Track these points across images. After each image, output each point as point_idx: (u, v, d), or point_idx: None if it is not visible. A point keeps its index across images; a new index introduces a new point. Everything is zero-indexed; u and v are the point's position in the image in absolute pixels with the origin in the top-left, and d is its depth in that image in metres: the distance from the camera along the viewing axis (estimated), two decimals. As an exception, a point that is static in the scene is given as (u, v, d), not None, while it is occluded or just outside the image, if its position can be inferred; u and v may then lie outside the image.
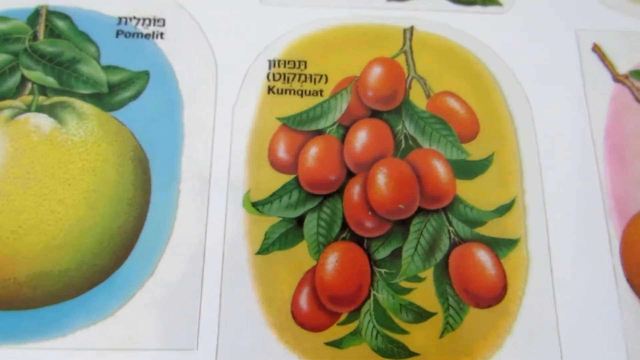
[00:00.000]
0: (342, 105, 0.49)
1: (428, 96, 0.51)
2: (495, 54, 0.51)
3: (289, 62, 0.51)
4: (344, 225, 0.48)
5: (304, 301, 0.46)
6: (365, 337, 0.44)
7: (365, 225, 0.46)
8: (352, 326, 0.45)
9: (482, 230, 0.46)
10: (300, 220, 0.48)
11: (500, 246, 0.46)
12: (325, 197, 0.49)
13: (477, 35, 0.52)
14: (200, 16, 0.53)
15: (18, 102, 0.48)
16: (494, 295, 0.45)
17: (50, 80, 0.49)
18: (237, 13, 0.55)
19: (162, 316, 0.45)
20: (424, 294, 0.47)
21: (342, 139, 0.50)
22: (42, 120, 0.47)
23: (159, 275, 0.46)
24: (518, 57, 0.52)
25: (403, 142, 0.49)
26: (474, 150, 0.49)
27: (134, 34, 0.51)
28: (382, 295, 0.45)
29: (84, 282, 0.45)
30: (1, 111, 0.47)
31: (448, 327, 0.44)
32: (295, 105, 0.51)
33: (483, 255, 0.45)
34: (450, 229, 0.46)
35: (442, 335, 0.44)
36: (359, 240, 0.47)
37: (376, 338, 0.44)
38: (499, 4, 0.53)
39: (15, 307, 0.46)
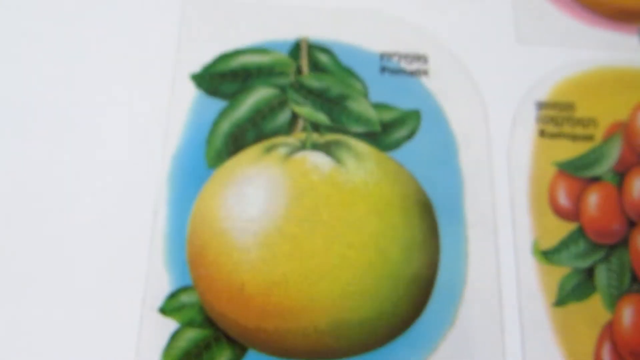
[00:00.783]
0: (615, 152, 0.49)
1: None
2: None
3: (556, 104, 0.49)
4: (634, 277, 0.47)
5: (606, 357, 0.46)
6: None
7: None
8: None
9: None
10: (590, 271, 0.46)
11: None
12: (611, 247, 0.47)
13: None
14: (460, 53, 0.51)
15: (292, 139, 0.47)
16: None
17: (321, 117, 0.48)
18: (495, 51, 0.54)
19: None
20: None
21: (619, 186, 0.47)
22: (320, 159, 0.46)
23: (459, 326, 0.46)
24: None
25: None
26: None
27: (398, 71, 0.50)
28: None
29: (385, 331, 0.44)
30: (277, 148, 0.46)
31: None
32: (567, 149, 0.51)
33: None
34: None
35: None
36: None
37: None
38: None
39: (319, 357, 0.45)
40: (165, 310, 0.45)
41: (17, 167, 0.49)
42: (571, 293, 0.46)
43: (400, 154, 0.51)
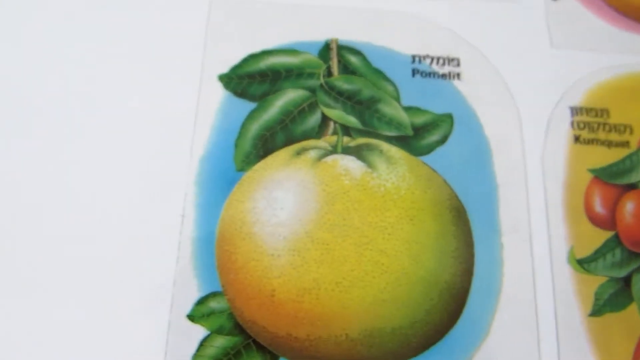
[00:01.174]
0: None
1: None
2: None
3: (591, 110, 0.49)
4: None
5: (645, 368, 0.42)
6: None
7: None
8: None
9: None
10: (626, 280, 0.46)
11: None
12: None
13: None
14: (493, 57, 0.49)
15: (323, 143, 0.46)
16: None
17: (352, 120, 0.47)
18: (528, 55, 0.54)
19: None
20: None
21: None
22: (352, 163, 0.45)
23: (494, 336, 0.45)
24: None
25: None
26: None
27: (430, 74, 0.49)
28: None
29: (419, 340, 0.44)
30: (307, 152, 0.45)
31: None
32: (603, 156, 0.50)
33: None
34: None
35: None
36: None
37: None
38: None
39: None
40: (193, 316, 0.45)
41: (42, 168, 0.49)
42: (607, 303, 0.46)
43: (432, 158, 0.50)
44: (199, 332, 0.45)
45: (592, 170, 0.47)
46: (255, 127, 0.47)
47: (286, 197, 0.45)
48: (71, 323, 0.44)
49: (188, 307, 0.45)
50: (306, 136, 0.49)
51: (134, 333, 0.44)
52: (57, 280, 0.45)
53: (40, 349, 0.44)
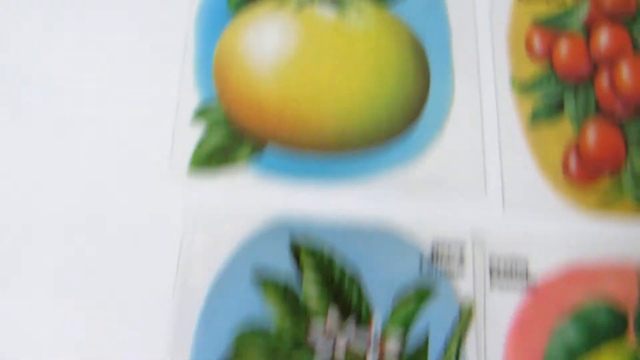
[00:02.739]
0: (583, 10, 0.56)
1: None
2: None
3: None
4: (597, 108, 0.54)
5: (572, 164, 0.53)
6: (627, 190, 0.51)
7: (615, 109, 0.53)
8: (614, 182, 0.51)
9: None
10: (560, 103, 0.54)
11: None
12: (578, 85, 0.54)
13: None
14: None
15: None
16: None
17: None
18: None
19: (454, 163, 0.52)
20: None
21: (587, 38, 0.55)
22: (327, 11, 0.53)
23: (447, 133, 0.53)
24: None
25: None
26: None
27: None
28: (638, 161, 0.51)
29: (383, 136, 0.52)
30: (289, 2, 0.53)
31: None
32: (542, 10, 0.57)
33: None
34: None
35: None
36: (612, 120, 0.53)
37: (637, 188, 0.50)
38: None
39: (324, 152, 0.51)
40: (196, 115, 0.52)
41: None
42: (544, 113, 0.54)
43: (397, 7, 0.57)
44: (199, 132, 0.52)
45: (534, 18, 0.56)
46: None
47: (272, 33, 0.53)
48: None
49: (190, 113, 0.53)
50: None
51: (142, 131, 0.52)
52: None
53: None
